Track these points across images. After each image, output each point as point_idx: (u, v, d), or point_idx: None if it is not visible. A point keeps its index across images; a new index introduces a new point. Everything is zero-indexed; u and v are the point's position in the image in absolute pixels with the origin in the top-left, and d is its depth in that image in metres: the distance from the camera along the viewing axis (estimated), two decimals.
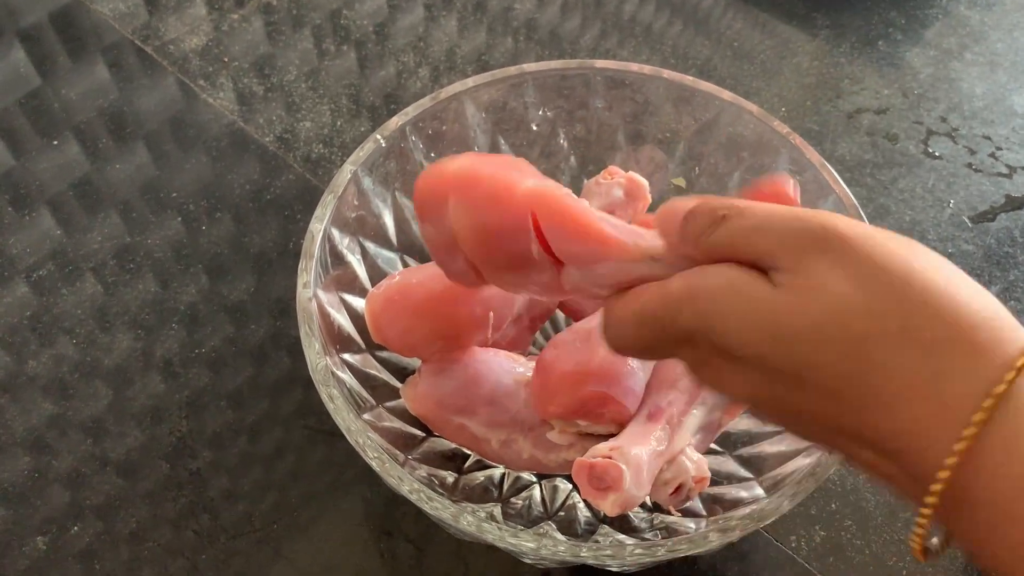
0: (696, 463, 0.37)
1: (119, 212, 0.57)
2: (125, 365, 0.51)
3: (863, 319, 0.23)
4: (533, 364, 0.41)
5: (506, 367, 0.42)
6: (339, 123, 0.62)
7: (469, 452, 0.43)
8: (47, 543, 0.45)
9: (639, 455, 0.35)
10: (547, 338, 0.48)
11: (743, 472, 0.41)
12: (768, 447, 0.41)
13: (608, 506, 0.35)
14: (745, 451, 0.42)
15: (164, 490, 0.47)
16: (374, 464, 0.35)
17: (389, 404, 0.42)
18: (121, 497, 0.46)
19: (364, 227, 0.45)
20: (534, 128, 0.50)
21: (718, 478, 0.40)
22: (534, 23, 0.70)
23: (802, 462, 0.37)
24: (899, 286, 0.23)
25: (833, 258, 0.24)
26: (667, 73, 0.48)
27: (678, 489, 0.37)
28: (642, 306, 0.28)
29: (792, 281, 0.24)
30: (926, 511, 0.23)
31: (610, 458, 0.35)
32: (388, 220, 0.47)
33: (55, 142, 0.61)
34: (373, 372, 0.43)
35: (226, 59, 0.66)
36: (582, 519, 0.41)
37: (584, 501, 0.42)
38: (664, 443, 0.37)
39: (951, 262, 0.25)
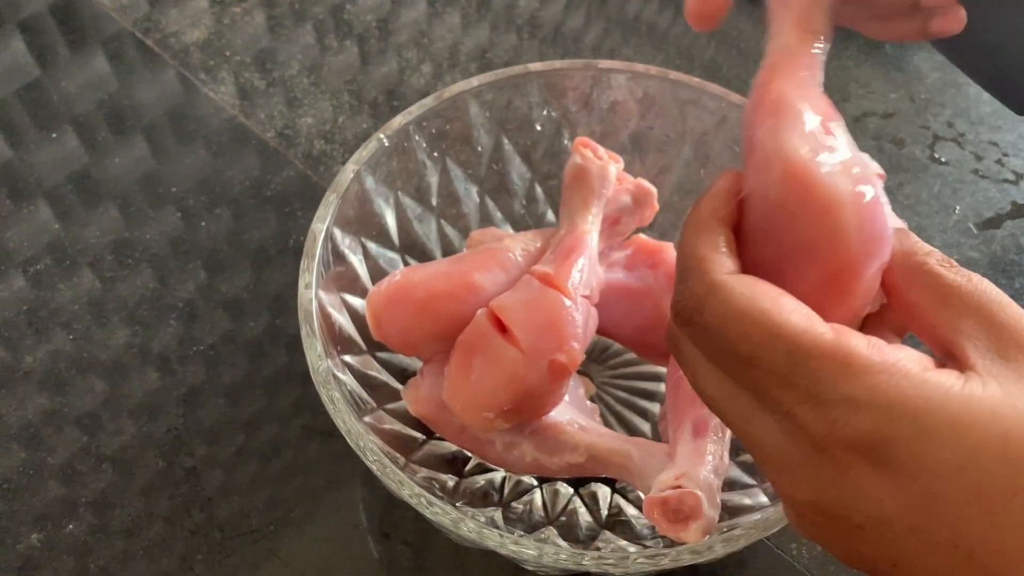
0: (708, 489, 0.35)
1: (117, 206, 0.57)
2: (121, 360, 0.50)
3: None
4: None
5: None
6: (340, 119, 0.62)
7: (470, 455, 0.42)
8: (41, 539, 0.44)
9: (706, 475, 0.35)
10: None
11: (746, 479, 0.40)
12: None
13: (692, 535, 0.33)
14: (748, 456, 0.41)
15: (159, 487, 0.46)
16: (374, 468, 0.35)
17: (389, 406, 0.42)
18: (116, 493, 0.46)
19: (366, 227, 0.45)
20: (538, 128, 0.49)
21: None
22: (537, 20, 0.69)
23: None
24: None
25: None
26: (673, 74, 0.47)
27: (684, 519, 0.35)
28: (785, 328, 0.22)
29: (1012, 376, 0.22)
30: None
31: (679, 487, 0.34)
32: (390, 220, 0.47)
33: (54, 134, 0.60)
34: (373, 374, 0.43)
35: (227, 53, 0.65)
36: (583, 524, 0.41)
37: (585, 506, 0.42)
38: (719, 455, 0.36)
39: None
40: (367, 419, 0.39)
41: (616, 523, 0.41)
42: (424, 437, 0.42)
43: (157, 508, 0.45)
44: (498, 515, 0.40)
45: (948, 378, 0.22)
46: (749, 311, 0.23)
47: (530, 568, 0.37)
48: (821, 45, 0.28)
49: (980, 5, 0.39)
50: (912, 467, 0.21)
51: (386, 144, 0.44)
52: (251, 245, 0.55)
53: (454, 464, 0.42)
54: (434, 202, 0.49)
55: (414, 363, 0.45)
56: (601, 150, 0.43)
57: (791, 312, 0.22)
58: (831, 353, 0.22)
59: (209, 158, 0.59)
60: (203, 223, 0.56)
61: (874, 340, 0.22)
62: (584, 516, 0.42)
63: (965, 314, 0.23)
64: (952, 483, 0.21)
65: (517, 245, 0.42)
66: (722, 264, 0.24)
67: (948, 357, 0.24)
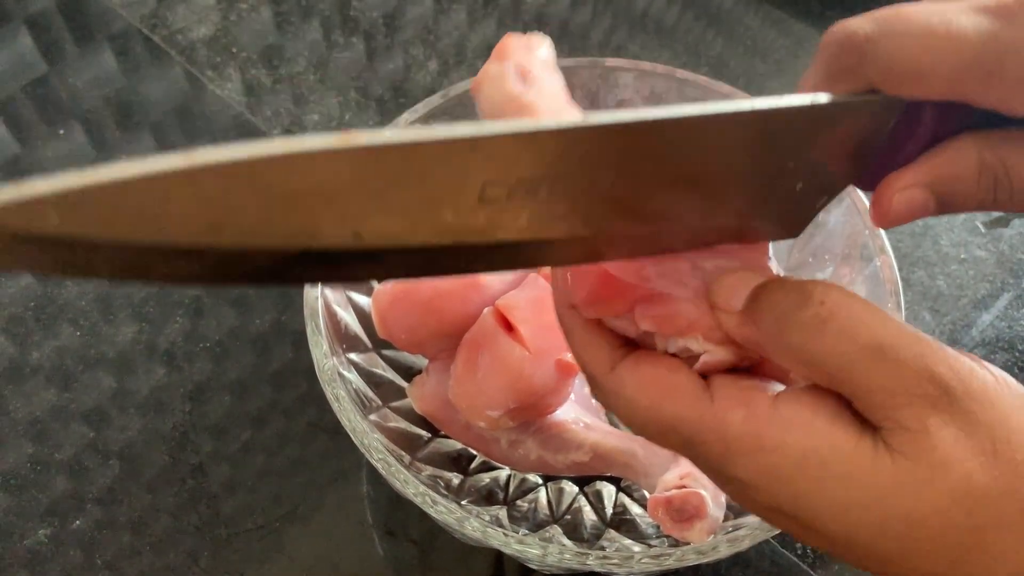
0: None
1: None
2: (128, 356, 0.51)
3: (988, 504, 0.20)
4: None
5: None
6: (347, 116, 0.62)
7: (475, 453, 0.42)
8: (48, 534, 0.44)
9: None
10: None
11: None
12: None
13: (696, 535, 0.33)
14: None
15: (166, 482, 0.46)
16: (379, 466, 0.35)
17: (394, 404, 0.42)
18: (122, 488, 0.46)
19: None
20: None
21: None
22: (544, 16, 0.69)
23: None
24: (1021, 463, 0.20)
25: (961, 426, 0.20)
26: (680, 72, 0.47)
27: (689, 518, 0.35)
28: (673, 419, 0.22)
29: (912, 450, 0.20)
30: None
31: (684, 486, 0.34)
32: None
33: (61, 130, 0.60)
34: (379, 371, 0.43)
35: (234, 49, 0.65)
36: (588, 523, 0.41)
37: (590, 505, 0.42)
38: None
39: None
40: (372, 417, 0.39)
41: (621, 522, 0.41)
42: (429, 435, 0.42)
43: (163, 503, 0.46)
44: (503, 513, 0.40)
45: (832, 451, 0.21)
46: (638, 406, 0.23)
47: (535, 567, 0.37)
48: None
49: None
50: (813, 536, 0.22)
51: None
52: None
53: (459, 462, 0.42)
54: None
55: (419, 361, 0.45)
56: None
57: (675, 400, 0.22)
58: (713, 440, 0.22)
59: None
60: None
61: (752, 412, 0.21)
62: (589, 515, 0.41)
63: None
64: (845, 553, 0.21)
65: None
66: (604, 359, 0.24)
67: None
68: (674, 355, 0.23)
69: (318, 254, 0.18)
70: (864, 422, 0.21)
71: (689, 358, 0.23)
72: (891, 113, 0.23)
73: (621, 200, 0.20)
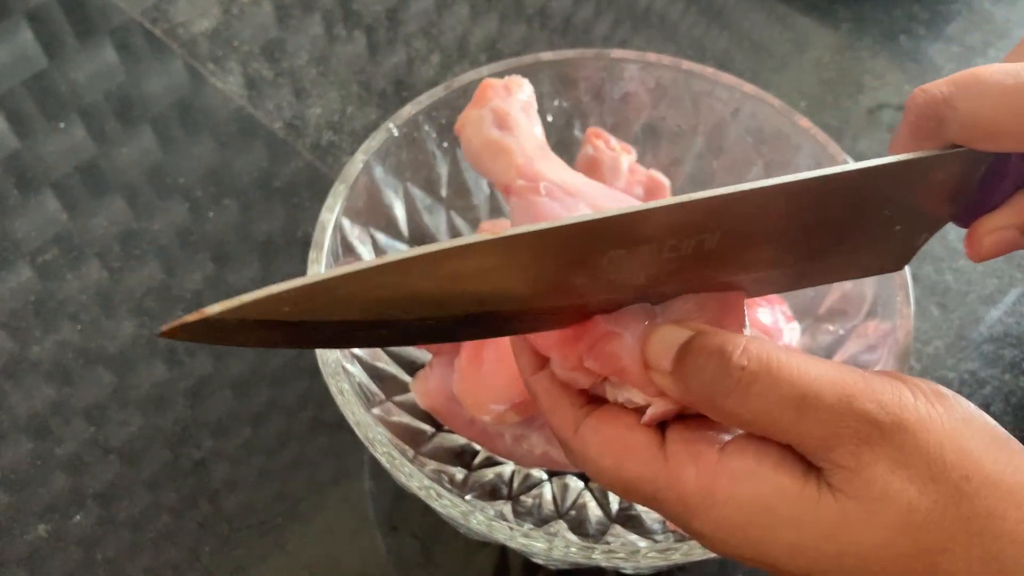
0: None
1: (125, 197, 0.57)
2: (129, 352, 0.50)
3: (931, 529, 0.20)
4: None
5: None
6: (349, 109, 0.61)
7: (479, 449, 0.42)
8: (48, 530, 0.44)
9: None
10: None
11: None
12: None
13: None
14: None
15: (167, 478, 0.46)
16: (383, 460, 0.34)
17: (398, 398, 0.41)
18: (123, 484, 0.46)
19: (375, 218, 0.45)
20: (549, 119, 0.49)
21: None
22: (547, 10, 0.69)
23: None
24: (958, 483, 0.20)
25: (895, 457, 0.20)
26: (686, 64, 0.46)
27: None
28: (633, 479, 0.23)
29: (851, 487, 0.21)
30: None
31: None
32: (399, 211, 0.46)
33: (61, 124, 0.60)
34: (382, 365, 0.42)
35: (235, 43, 0.65)
36: (593, 518, 0.41)
37: (595, 500, 0.42)
38: None
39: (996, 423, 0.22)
40: (376, 411, 0.38)
41: (626, 517, 0.40)
42: (433, 430, 0.42)
43: (164, 500, 0.45)
44: (507, 509, 0.40)
45: (779, 497, 0.21)
46: (602, 466, 0.24)
47: (539, 561, 0.37)
48: None
49: None
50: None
51: (395, 134, 0.44)
52: (259, 236, 0.55)
53: (462, 457, 0.42)
54: (444, 193, 0.48)
55: (423, 355, 0.45)
56: (613, 141, 0.42)
57: (633, 461, 0.23)
58: (671, 498, 0.23)
59: (217, 149, 0.59)
60: (211, 214, 0.56)
61: (702, 468, 0.22)
62: (594, 510, 0.41)
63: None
64: None
65: None
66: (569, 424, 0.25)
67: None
68: (624, 407, 0.25)
69: (479, 317, 0.22)
70: (809, 464, 0.22)
71: (638, 409, 0.25)
72: (979, 163, 0.25)
73: (729, 256, 0.23)
